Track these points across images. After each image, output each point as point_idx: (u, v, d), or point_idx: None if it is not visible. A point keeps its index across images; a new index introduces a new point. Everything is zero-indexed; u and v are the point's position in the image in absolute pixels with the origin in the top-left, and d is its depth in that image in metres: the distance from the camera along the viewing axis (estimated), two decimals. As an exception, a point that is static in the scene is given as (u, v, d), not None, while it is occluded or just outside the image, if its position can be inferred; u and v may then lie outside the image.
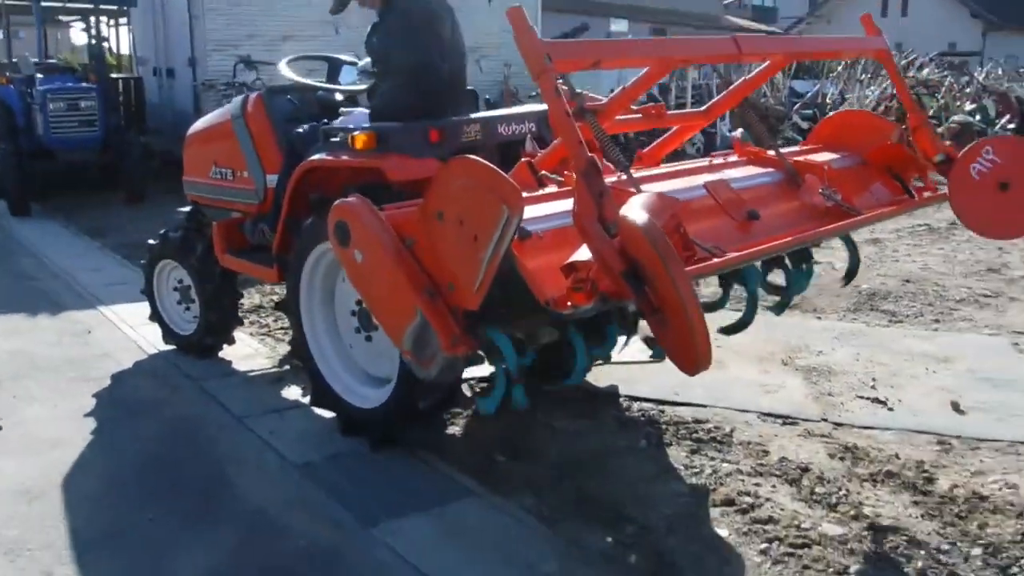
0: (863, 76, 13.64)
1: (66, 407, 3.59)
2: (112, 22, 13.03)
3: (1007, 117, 14.79)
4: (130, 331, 4.59)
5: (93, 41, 10.21)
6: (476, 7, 11.38)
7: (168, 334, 4.26)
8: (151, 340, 4.39)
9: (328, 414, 3.33)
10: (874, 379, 3.93)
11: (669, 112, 3.19)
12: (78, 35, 22.67)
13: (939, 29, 28.09)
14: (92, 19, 10.67)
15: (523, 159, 2.67)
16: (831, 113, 12.54)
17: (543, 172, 2.55)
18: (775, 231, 2.65)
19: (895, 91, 13.63)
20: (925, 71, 15.26)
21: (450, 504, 2.79)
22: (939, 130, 13.04)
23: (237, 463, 3.11)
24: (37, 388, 3.81)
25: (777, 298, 3.39)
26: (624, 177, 2.46)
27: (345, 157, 3.08)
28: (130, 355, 4.25)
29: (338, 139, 3.16)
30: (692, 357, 1.88)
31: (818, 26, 31.61)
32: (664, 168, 2.90)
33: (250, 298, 4.94)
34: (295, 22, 10.20)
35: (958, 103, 14.65)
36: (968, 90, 15.59)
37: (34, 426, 3.40)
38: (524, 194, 2.32)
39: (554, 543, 2.58)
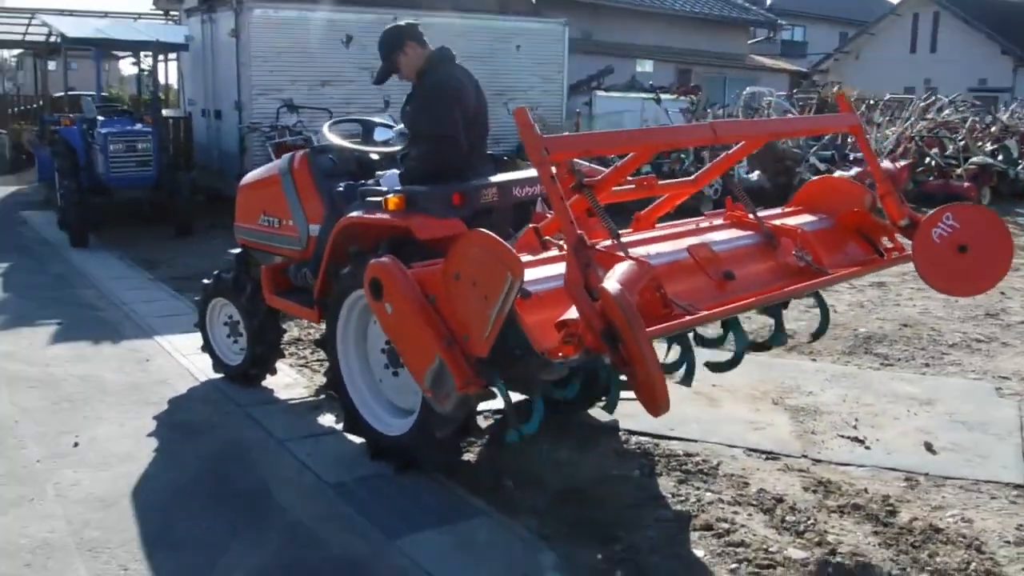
0: (880, 120, 13.90)
1: (131, 426, 4.06)
2: (161, 57, 13.80)
3: (1030, 157, 14.93)
4: (183, 360, 5.06)
5: (148, 84, 10.92)
6: (506, 53, 11.98)
7: (218, 364, 4.72)
8: (202, 368, 4.84)
9: (359, 440, 3.75)
10: (857, 419, 4.24)
11: (662, 183, 3.61)
12: (127, 67, 23.79)
13: (969, 65, 28.02)
14: (147, 61, 11.34)
15: (530, 225, 3.11)
16: (852, 154, 12.78)
17: (547, 237, 2.98)
18: (747, 289, 3.05)
19: (913, 133, 13.91)
20: (945, 112, 15.43)
21: (462, 522, 3.18)
22: (957, 171, 13.29)
23: (279, 481, 3.53)
24: (105, 409, 4.29)
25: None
26: (615, 242, 2.89)
27: (379, 216, 3.54)
28: (184, 382, 4.72)
29: (374, 199, 3.64)
30: (653, 403, 2.30)
31: (846, 62, 31.73)
32: (654, 232, 3.32)
33: (290, 332, 5.38)
34: (334, 69, 10.78)
35: (979, 144, 14.81)
36: (992, 130, 15.73)
37: (105, 443, 3.87)
38: (528, 257, 2.78)
39: (550, 558, 2.95)
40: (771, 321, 3.69)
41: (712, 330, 3.77)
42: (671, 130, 2.90)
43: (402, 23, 4.05)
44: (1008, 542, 3.10)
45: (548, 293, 2.59)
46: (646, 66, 17.93)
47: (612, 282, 2.32)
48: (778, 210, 3.79)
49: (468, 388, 2.58)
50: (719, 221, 3.47)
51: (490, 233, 2.50)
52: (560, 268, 2.68)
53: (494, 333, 2.47)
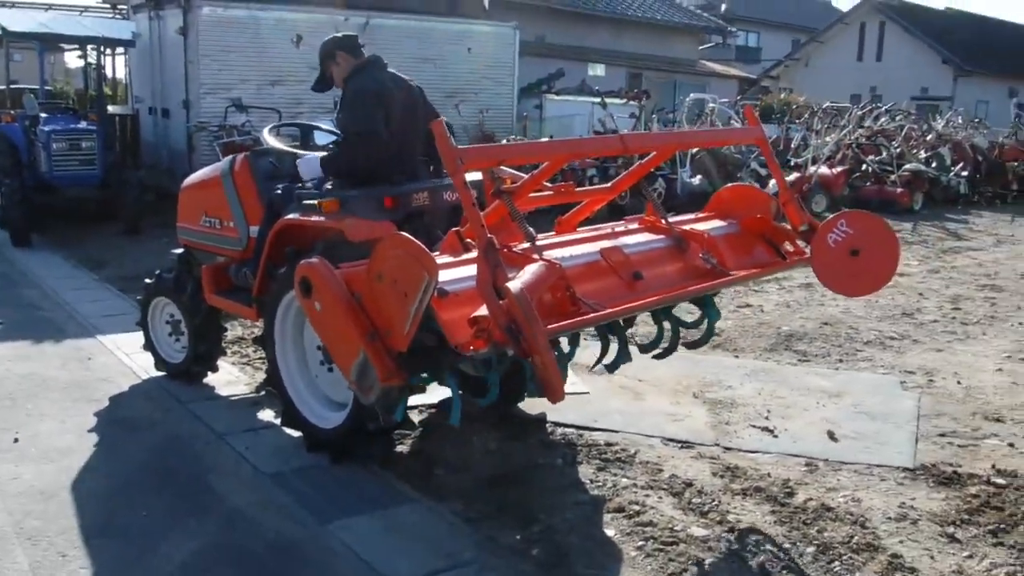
0: (819, 127, 14.42)
1: (73, 423, 4.16)
2: (108, 51, 13.64)
3: (961, 165, 15.62)
4: (126, 358, 5.15)
5: (93, 80, 10.81)
6: (456, 56, 12.16)
7: (160, 362, 4.82)
8: (144, 367, 4.94)
9: (296, 433, 3.91)
10: (769, 411, 4.54)
11: (580, 189, 3.84)
12: (73, 59, 23.27)
13: (912, 74, 28.92)
14: (92, 55, 11.22)
15: (453, 229, 3.31)
16: (792, 159, 13.22)
17: (468, 240, 3.19)
18: (655, 288, 3.30)
19: (851, 140, 14.43)
20: (881, 120, 16.05)
21: (393, 507, 3.37)
22: (892, 177, 13.86)
23: (218, 472, 3.69)
24: (47, 406, 4.37)
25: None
26: (530, 245, 3.12)
27: (314, 218, 3.71)
28: (127, 379, 4.82)
29: (309, 202, 3.81)
30: (550, 390, 2.53)
31: (796, 69, 32.54)
32: (573, 235, 3.54)
33: (233, 331, 5.50)
34: (284, 69, 10.85)
35: (914, 151, 15.45)
36: (928, 138, 16.42)
37: (46, 438, 3.97)
38: (448, 258, 2.98)
39: (474, 539, 3.16)
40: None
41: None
42: (580, 141, 3.10)
43: (338, 35, 4.23)
44: (890, 518, 3.40)
45: (463, 292, 2.79)
46: (598, 70, 18.23)
47: (516, 283, 2.54)
48: (691, 216, 4.05)
49: (390, 380, 2.78)
50: (634, 226, 3.71)
51: (408, 237, 2.70)
52: (474, 269, 2.88)
53: (413, 328, 2.67)
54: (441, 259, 2.91)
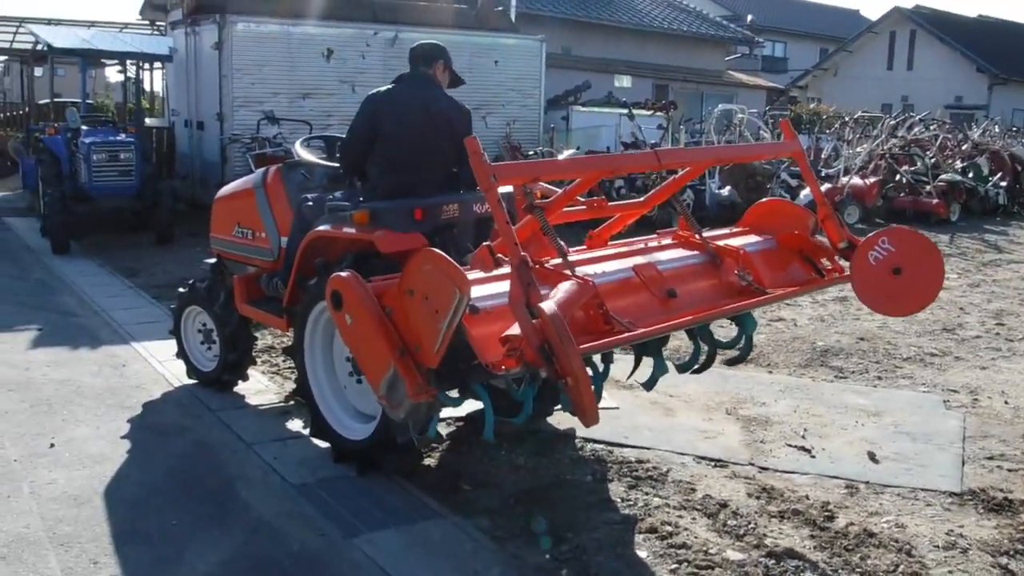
0: (851, 137, 14.22)
1: (106, 429, 4.20)
2: (147, 66, 13.94)
3: (999, 175, 15.29)
4: (159, 366, 5.19)
5: (132, 94, 11.04)
6: (484, 69, 12.20)
7: (192, 370, 4.86)
8: (177, 374, 4.98)
9: (324, 444, 3.90)
10: (805, 429, 4.42)
11: (612, 203, 3.80)
12: (113, 74, 23.83)
13: (945, 83, 28.50)
14: (132, 70, 11.47)
15: (484, 243, 3.28)
16: (824, 170, 13.01)
17: (499, 255, 3.14)
18: (689, 306, 3.24)
19: (884, 150, 14.20)
20: (915, 130, 15.78)
21: (418, 522, 3.33)
22: (927, 188, 13.60)
23: (246, 481, 3.69)
24: (82, 412, 4.42)
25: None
26: (563, 261, 3.07)
27: (345, 229, 3.72)
28: (159, 387, 4.86)
29: (341, 213, 3.81)
30: (582, 413, 2.47)
31: (824, 78, 32.24)
32: (605, 250, 3.48)
33: (263, 339, 5.53)
34: (314, 82, 10.97)
35: (950, 161, 15.15)
36: (964, 147, 16.10)
37: (81, 444, 4.01)
38: (480, 274, 2.94)
39: (500, 557, 3.10)
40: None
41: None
42: (615, 158, 3.05)
43: (427, 43, 4.22)
44: (937, 547, 3.26)
45: (495, 309, 2.76)
46: (624, 81, 18.18)
47: (550, 302, 2.50)
48: (725, 230, 3.98)
49: (419, 396, 2.75)
50: (668, 241, 3.65)
51: (441, 252, 2.67)
52: (507, 286, 2.85)
53: (444, 346, 2.65)
54: (472, 274, 2.87)
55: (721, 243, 3.61)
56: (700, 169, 3.84)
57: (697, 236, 3.57)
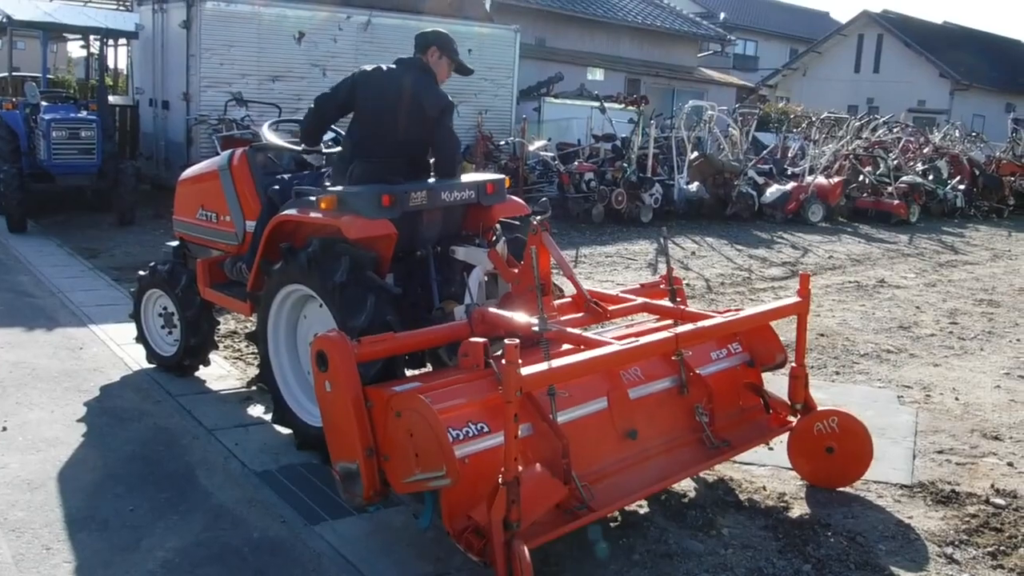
0: (817, 137, 14.45)
1: (62, 413, 4.12)
2: (111, 42, 13.61)
3: (958, 178, 15.68)
4: (118, 349, 5.11)
5: (95, 70, 10.75)
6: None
7: (152, 354, 4.78)
8: (136, 358, 4.91)
9: (286, 431, 3.88)
10: (764, 422, 4.54)
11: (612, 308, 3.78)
12: (76, 49, 23.20)
13: (909, 87, 29.10)
14: (95, 45, 11.19)
15: (479, 341, 3.02)
16: (790, 168, 13.18)
17: (491, 359, 2.98)
18: (643, 453, 3.27)
19: (850, 150, 14.44)
20: (879, 132, 16.10)
21: (380, 510, 3.31)
22: (889, 189, 13.89)
23: (206, 467, 3.65)
24: (37, 395, 4.33)
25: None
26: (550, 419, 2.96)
27: (311, 214, 3.68)
28: (118, 370, 4.78)
29: (307, 198, 3.78)
30: None
31: (794, 78, 32.66)
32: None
33: (226, 324, 5.47)
34: (285, 65, 10.83)
35: (911, 163, 15.50)
36: (924, 150, 16.48)
37: (35, 428, 3.93)
38: (457, 402, 2.81)
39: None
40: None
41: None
42: (630, 350, 3.06)
43: (429, 30, 4.18)
44: (887, 537, 3.36)
45: (474, 457, 2.70)
46: (597, 74, 18.22)
47: (526, 553, 2.51)
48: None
49: (374, 499, 2.80)
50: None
51: (440, 422, 2.57)
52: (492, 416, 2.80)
53: (413, 489, 2.70)
54: (455, 389, 2.85)
55: (694, 356, 3.61)
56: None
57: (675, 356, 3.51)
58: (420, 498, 2.94)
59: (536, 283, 3.25)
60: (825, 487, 3.76)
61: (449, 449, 2.56)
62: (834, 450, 3.69)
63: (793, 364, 3.79)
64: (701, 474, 3.82)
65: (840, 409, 3.80)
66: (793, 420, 3.80)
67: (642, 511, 3.47)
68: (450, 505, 2.66)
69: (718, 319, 3.54)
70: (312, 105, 4.10)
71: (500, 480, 2.59)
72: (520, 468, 2.63)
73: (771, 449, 4.18)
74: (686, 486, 3.70)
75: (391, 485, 2.78)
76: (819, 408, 3.76)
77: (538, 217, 3.52)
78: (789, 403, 3.78)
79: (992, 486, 3.85)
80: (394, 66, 3.99)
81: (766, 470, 3.95)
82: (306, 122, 4.17)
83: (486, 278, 3.81)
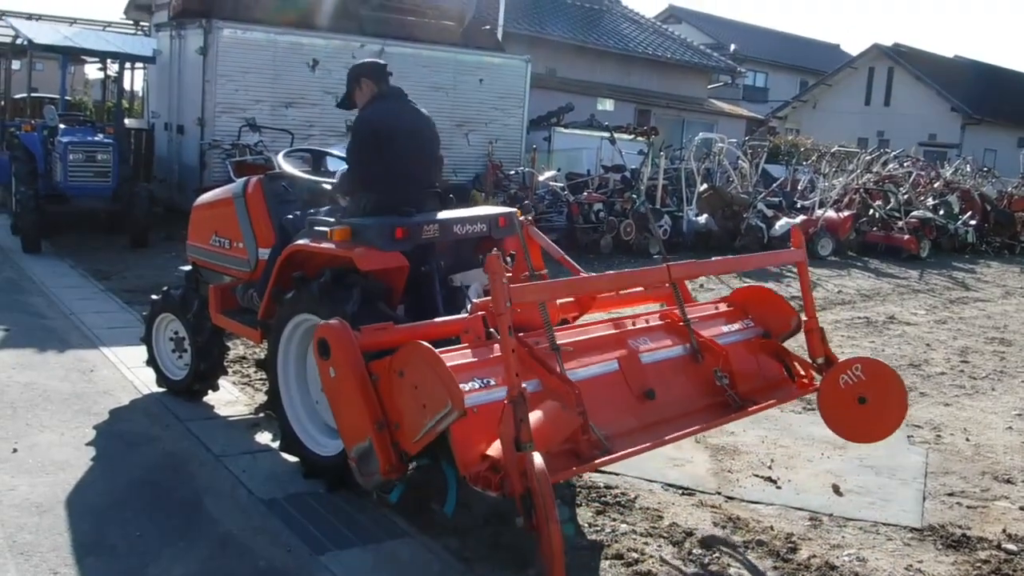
0: (827, 170, 14.48)
1: (72, 436, 4.13)
2: (128, 65, 13.80)
3: (969, 213, 15.65)
4: (128, 372, 5.12)
5: (112, 93, 10.92)
6: (468, 86, 12.28)
7: (162, 378, 4.80)
8: (146, 381, 4.92)
9: (293, 459, 3.87)
10: (772, 460, 4.47)
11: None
12: (93, 71, 23.55)
13: (920, 120, 29.14)
14: (114, 71, 11.37)
15: (479, 310, 3.18)
16: (799, 202, 13.25)
17: (491, 329, 3.05)
18: (664, 410, 3.27)
19: (860, 184, 14.45)
20: (890, 166, 16.11)
21: (387, 541, 3.32)
22: (899, 224, 13.87)
23: (213, 494, 3.64)
24: (47, 417, 4.35)
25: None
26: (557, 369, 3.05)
27: (324, 245, 3.71)
28: (127, 394, 4.79)
29: (320, 229, 3.81)
30: (549, 570, 2.47)
31: (803, 110, 32.81)
32: (594, 331, 3.30)
33: (235, 350, 5.48)
34: (298, 92, 10.97)
35: (921, 198, 15.49)
36: (936, 185, 16.48)
37: (44, 450, 3.94)
38: (468, 358, 2.87)
39: (467, 578, 3.13)
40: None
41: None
42: (625, 276, 3.24)
43: (368, 61, 4.26)
44: (896, 581, 3.33)
45: (483, 408, 2.73)
46: (607, 105, 18.36)
47: (539, 459, 2.49)
48: (711, 308, 3.87)
49: (391, 475, 2.77)
50: (656, 322, 3.55)
51: (439, 357, 2.60)
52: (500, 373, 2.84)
53: (425, 441, 2.67)
54: (459, 357, 2.86)
55: (705, 332, 3.61)
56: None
57: (683, 321, 3.56)
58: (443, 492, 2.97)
59: (529, 268, 3.24)
60: (869, 442, 3.66)
61: (451, 379, 2.55)
62: (867, 399, 3.57)
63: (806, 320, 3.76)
64: (709, 512, 3.80)
65: (860, 358, 3.70)
66: (818, 379, 3.74)
67: (648, 547, 3.44)
68: (464, 452, 2.64)
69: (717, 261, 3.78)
70: (349, 166, 4.04)
71: (506, 399, 2.59)
72: (525, 385, 2.64)
73: (779, 488, 4.17)
74: (694, 523, 3.67)
75: (405, 450, 2.73)
76: (840, 360, 3.67)
77: (524, 216, 3.57)
78: (811, 361, 3.75)
79: (1004, 531, 3.81)
80: (391, 101, 4.06)
81: (773, 509, 3.92)
82: (349, 184, 4.06)
83: (484, 289, 3.84)
